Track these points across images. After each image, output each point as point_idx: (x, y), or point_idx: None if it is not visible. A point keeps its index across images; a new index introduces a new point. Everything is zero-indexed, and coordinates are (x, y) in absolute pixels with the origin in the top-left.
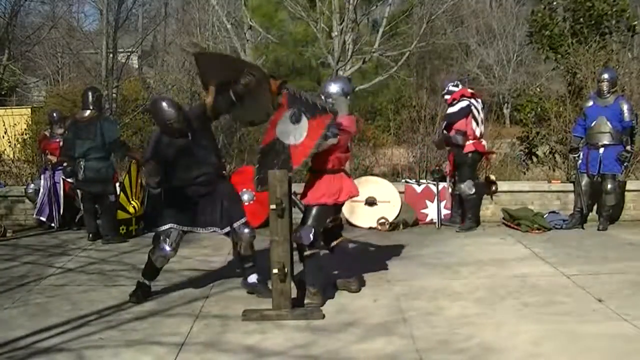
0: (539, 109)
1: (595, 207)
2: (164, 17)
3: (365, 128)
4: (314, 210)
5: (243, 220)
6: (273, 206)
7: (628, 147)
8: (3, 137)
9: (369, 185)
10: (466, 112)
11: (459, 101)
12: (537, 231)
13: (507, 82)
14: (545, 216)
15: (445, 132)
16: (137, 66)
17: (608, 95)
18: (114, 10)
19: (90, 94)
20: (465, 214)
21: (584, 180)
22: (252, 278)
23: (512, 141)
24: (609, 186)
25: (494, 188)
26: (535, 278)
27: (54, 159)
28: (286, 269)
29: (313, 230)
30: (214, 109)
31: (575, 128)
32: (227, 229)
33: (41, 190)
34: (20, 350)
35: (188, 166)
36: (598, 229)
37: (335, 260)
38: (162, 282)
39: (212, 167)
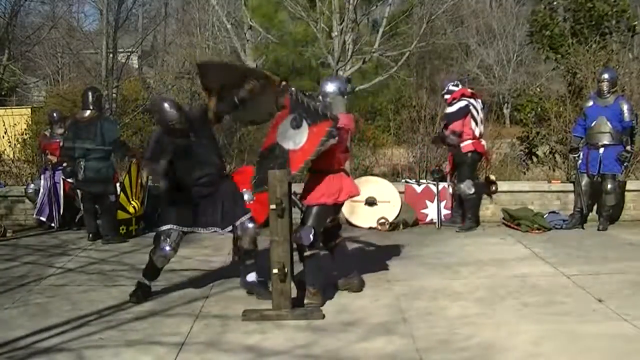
0: (539, 109)
1: (595, 207)
2: (164, 17)
3: (365, 128)
4: (313, 211)
5: (248, 215)
6: (273, 206)
7: (628, 147)
8: (3, 137)
9: (369, 185)
10: (464, 112)
11: (458, 101)
12: (537, 231)
13: (507, 82)
14: (545, 216)
15: (443, 130)
16: (137, 66)
17: (608, 95)
18: (114, 10)
19: (90, 94)
20: (465, 214)
21: (584, 180)
22: (251, 276)
23: (512, 141)
24: (609, 186)
25: (493, 188)
26: (535, 278)
27: (54, 159)
28: (286, 269)
29: (313, 230)
30: (216, 114)
31: (575, 128)
32: (229, 228)
33: (41, 190)
34: (20, 350)
35: (190, 167)
36: (598, 229)
37: (336, 261)
38: (162, 282)
39: (214, 167)
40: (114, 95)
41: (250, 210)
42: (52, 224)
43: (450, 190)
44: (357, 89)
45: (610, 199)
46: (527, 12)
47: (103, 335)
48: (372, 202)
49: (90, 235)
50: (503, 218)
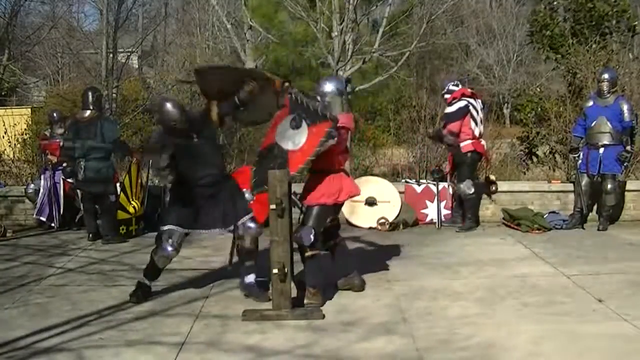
0: (539, 109)
1: (595, 207)
2: (164, 17)
3: (365, 128)
4: (314, 211)
5: (250, 215)
6: (273, 206)
7: (628, 147)
8: (3, 137)
9: (369, 185)
10: (464, 112)
11: (458, 100)
12: (537, 231)
13: (507, 82)
14: (545, 216)
15: (441, 129)
16: (137, 66)
17: (608, 95)
18: (114, 10)
19: (90, 94)
20: (465, 214)
21: (584, 180)
22: (250, 278)
23: (512, 141)
24: (609, 186)
25: (493, 188)
26: (535, 278)
27: (54, 159)
28: (286, 269)
29: (313, 230)
30: (220, 116)
31: (575, 128)
32: (230, 228)
33: (41, 190)
34: (20, 350)
35: (192, 167)
36: (598, 229)
37: (336, 261)
38: (162, 282)
39: (216, 167)
40: (114, 95)
41: (252, 210)
42: (52, 224)
43: (450, 190)
44: (357, 89)
45: (610, 199)
46: (527, 12)
47: (103, 335)
48: (372, 202)
49: (90, 235)
50: (503, 218)
